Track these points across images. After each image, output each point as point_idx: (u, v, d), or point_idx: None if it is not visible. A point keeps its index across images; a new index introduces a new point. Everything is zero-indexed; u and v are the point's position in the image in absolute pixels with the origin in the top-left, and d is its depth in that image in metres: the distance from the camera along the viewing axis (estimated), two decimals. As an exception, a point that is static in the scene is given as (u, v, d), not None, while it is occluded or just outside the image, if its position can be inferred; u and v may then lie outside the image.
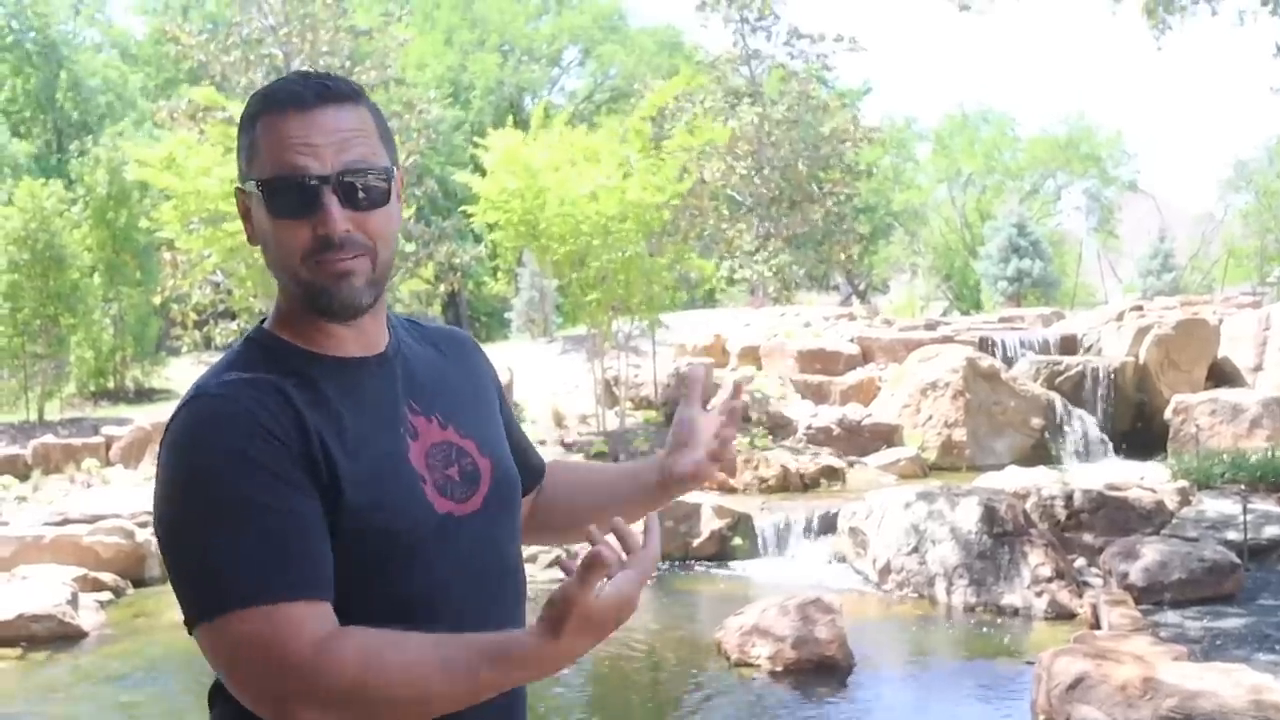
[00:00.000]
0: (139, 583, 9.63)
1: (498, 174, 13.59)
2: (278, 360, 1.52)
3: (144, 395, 19.40)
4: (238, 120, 1.59)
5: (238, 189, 1.57)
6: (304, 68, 22.69)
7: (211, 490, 1.40)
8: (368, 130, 1.53)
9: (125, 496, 11.22)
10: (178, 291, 19.13)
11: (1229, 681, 5.46)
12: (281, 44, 23.93)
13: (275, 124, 1.49)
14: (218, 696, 1.52)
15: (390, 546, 1.48)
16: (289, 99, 1.50)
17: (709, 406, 1.85)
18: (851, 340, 16.51)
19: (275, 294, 1.62)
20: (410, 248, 23.42)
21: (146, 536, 9.88)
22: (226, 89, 21.80)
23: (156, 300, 19.61)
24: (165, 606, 8.91)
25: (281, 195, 1.49)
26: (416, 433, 1.57)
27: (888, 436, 13.59)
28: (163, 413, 15.54)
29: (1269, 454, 11.25)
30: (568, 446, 12.97)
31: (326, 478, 1.44)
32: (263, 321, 1.60)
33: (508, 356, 17.35)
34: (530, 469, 1.85)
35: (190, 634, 1.41)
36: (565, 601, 1.31)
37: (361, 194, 1.50)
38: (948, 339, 15.75)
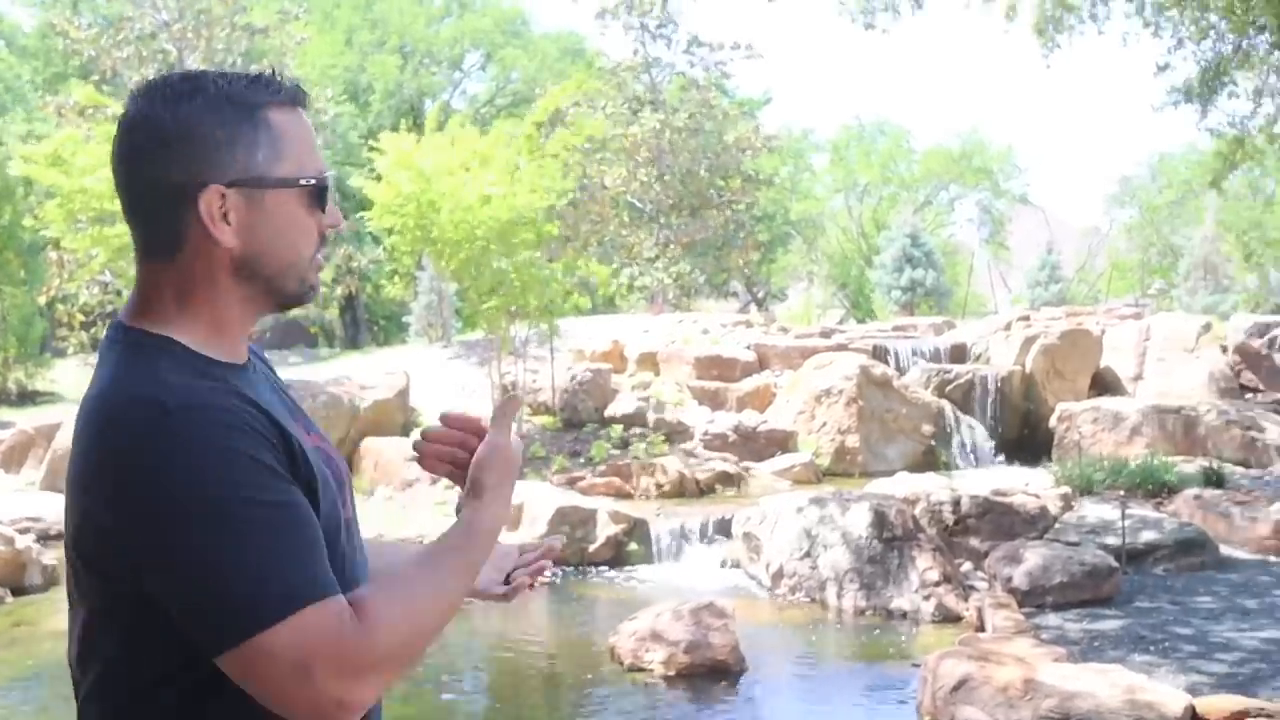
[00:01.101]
0: (18, 590, 9.34)
1: (391, 178, 13.47)
2: (195, 366, 1.43)
3: (27, 398, 18.86)
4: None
5: (231, 185, 1.44)
6: (200, 66, 22.37)
7: (218, 500, 1.30)
8: None
9: (5, 502, 10.91)
10: (64, 291, 18.66)
11: (1105, 682, 5.65)
12: (175, 40, 23.46)
13: (292, 119, 1.50)
14: (94, 698, 1.43)
15: (329, 552, 1.43)
16: (292, 96, 1.51)
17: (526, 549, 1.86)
18: (748, 347, 16.67)
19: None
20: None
21: (27, 543, 9.61)
22: (118, 84, 21.31)
23: (42, 300, 19.10)
24: (46, 614, 8.69)
25: (322, 192, 1.52)
26: (304, 438, 1.53)
27: (783, 442, 13.76)
28: (47, 415, 15.13)
29: (1147, 460, 11.62)
30: (464, 452, 12.91)
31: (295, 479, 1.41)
32: (131, 327, 1.47)
33: (404, 361, 17.21)
34: None
35: (215, 658, 1.32)
36: (492, 450, 1.54)
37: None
38: (842, 347, 15.98)
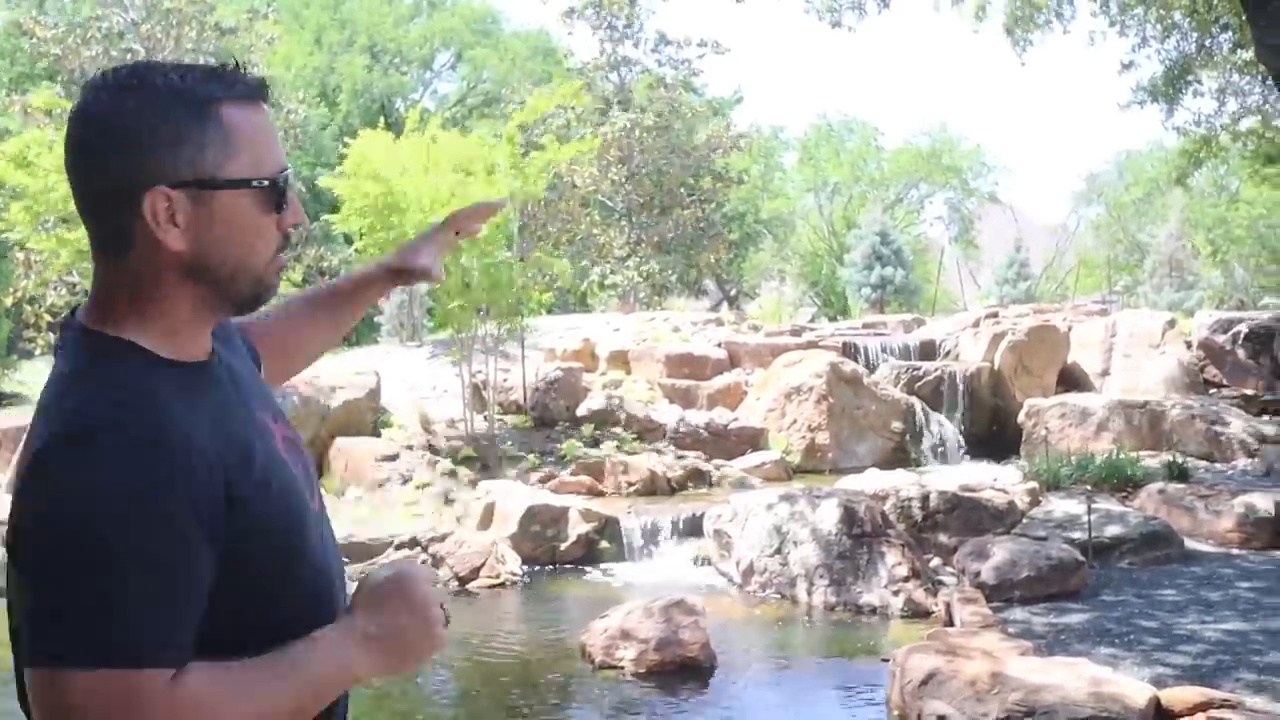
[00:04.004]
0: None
1: (357, 180, 13.40)
2: (157, 376, 1.38)
3: (-6, 400, 18.70)
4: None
5: (178, 185, 1.38)
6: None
7: (99, 533, 1.25)
8: None
9: (-28, 505, 10.79)
10: (31, 293, 18.50)
11: (1071, 674, 5.70)
12: (143, 40, 23.30)
13: (249, 115, 1.42)
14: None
15: (290, 555, 1.42)
16: (252, 91, 1.43)
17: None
18: (719, 345, 16.72)
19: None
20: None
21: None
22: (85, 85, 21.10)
23: (8, 301, 18.93)
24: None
25: (279, 191, 1.43)
26: (271, 432, 1.51)
27: (753, 440, 13.81)
28: (14, 418, 15.00)
29: (1113, 455, 11.72)
30: (435, 451, 12.89)
31: (233, 505, 1.35)
32: (90, 329, 1.42)
33: (376, 360, 17.15)
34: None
35: (25, 665, 1.28)
36: (397, 585, 1.47)
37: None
38: (812, 344, 16.06)
